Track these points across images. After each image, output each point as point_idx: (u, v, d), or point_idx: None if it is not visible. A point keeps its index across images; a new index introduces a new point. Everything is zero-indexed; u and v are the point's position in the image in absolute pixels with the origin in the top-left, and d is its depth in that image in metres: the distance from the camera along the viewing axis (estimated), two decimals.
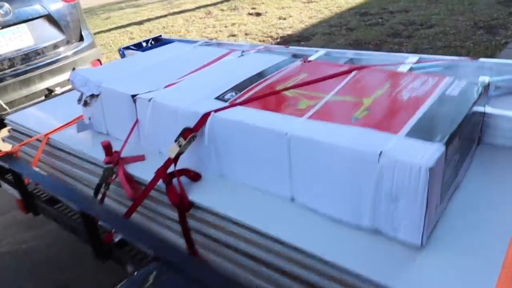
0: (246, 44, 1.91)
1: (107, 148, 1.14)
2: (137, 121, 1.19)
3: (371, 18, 4.80)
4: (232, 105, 1.02)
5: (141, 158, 1.16)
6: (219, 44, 2.00)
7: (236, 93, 1.08)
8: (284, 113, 0.93)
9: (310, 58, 1.58)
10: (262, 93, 1.06)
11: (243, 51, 1.44)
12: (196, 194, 0.99)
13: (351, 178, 0.78)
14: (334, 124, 0.86)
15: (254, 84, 1.11)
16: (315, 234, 0.82)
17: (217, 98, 1.07)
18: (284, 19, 5.43)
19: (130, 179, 1.11)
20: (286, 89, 1.07)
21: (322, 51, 1.65)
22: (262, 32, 4.97)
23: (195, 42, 2.01)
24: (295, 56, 1.76)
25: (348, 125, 0.84)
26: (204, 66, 1.33)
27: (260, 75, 1.18)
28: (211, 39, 4.99)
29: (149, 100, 1.12)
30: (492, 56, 3.08)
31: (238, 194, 0.97)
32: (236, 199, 0.95)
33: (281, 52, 1.74)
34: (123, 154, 1.16)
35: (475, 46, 3.38)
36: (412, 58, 1.47)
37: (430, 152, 0.71)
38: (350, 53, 1.62)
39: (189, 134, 0.99)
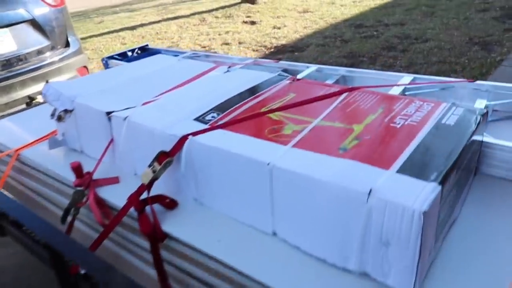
0: (235, 57, 1.84)
1: (77, 170, 1.06)
2: (112, 140, 1.11)
3: (366, 30, 4.77)
4: (212, 127, 0.94)
5: (115, 180, 1.08)
6: (207, 56, 1.93)
7: (218, 114, 1.00)
8: (268, 140, 0.86)
9: (301, 75, 1.52)
10: (246, 114, 0.98)
11: (229, 66, 1.36)
12: (171, 224, 0.91)
13: (337, 216, 0.71)
14: (320, 155, 0.78)
15: (238, 105, 1.04)
16: (296, 275, 0.74)
17: (197, 119, 0.99)
18: (279, 28, 5.39)
19: (101, 203, 1.02)
20: (272, 111, 0.99)
21: (313, 67, 1.58)
22: (256, 41, 4.92)
23: (182, 53, 1.94)
24: (286, 71, 1.70)
25: (336, 156, 0.77)
26: (186, 82, 1.25)
27: (245, 95, 1.10)
28: (204, 47, 4.94)
29: (124, 119, 1.04)
30: (487, 73, 3.05)
31: (216, 226, 0.89)
32: (213, 231, 0.87)
33: (270, 66, 1.68)
34: (96, 176, 1.08)
35: (470, 62, 3.35)
36: (407, 78, 1.41)
37: (424, 193, 0.64)
38: (342, 70, 1.56)
39: (164, 159, 0.91)
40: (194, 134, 0.92)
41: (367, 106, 0.98)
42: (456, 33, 4.18)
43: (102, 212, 1.01)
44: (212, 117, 0.99)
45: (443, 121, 0.87)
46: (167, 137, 0.94)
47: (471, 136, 0.82)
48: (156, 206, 0.94)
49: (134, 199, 0.93)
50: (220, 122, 0.96)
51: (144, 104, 1.11)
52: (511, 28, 4.09)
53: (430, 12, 5.26)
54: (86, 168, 1.08)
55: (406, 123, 0.88)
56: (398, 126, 0.87)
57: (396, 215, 0.64)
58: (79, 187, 1.06)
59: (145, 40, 5.65)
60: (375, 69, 3.57)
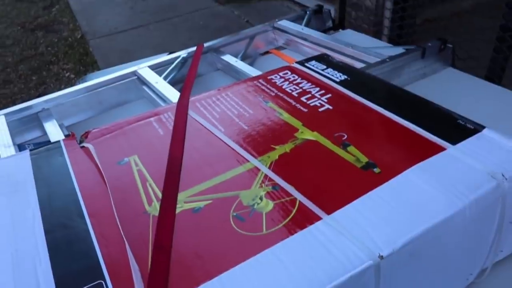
0: None
1: None
2: None
3: None
4: None
5: None
6: None
7: (99, 284, 0.41)
8: (270, 240, 0.44)
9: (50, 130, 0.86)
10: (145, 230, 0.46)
11: None
12: None
13: (468, 237, 0.49)
14: (381, 192, 0.49)
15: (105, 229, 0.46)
16: None
17: None
18: None
19: None
20: (169, 205, 0.51)
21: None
22: None
23: None
24: None
25: (387, 180, 0.51)
26: None
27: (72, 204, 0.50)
28: None
29: None
30: (86, 54, 2.84)
31: None
32: None
33: None
34: None
35: (54, 48, 3.01)
36: (142, 66, 1.08)
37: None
38: (39, 104, 1.00)
39: None
40: None
41: (250, 110, 0.68)
42: (0, 26, 3.54)
43: None
44: None
45: (338, 79, 0.74)
46: None
47: None
48: None
49: None
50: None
51: None
52: (46, 5, 3.88)
53: None
54: None
55: (321, 99, 0.68)
56: (330, 107, 0.66)
57: None
58: None
59: None
60: None
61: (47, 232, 0.48)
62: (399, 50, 1.11)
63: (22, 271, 0.43)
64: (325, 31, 1.43)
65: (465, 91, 1.00)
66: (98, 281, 0.42)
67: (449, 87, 1.02)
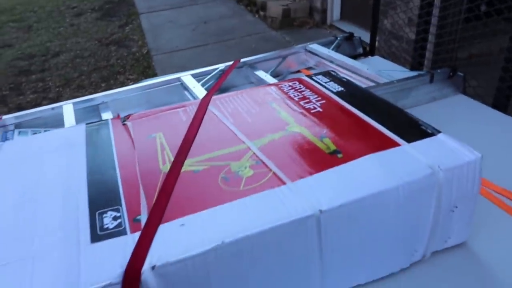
0: None
1: None
2: None
3: None
4: (147, 231, 0.55)
5: None
6: None
7: (117, 210, 0.58)
8: (251, 192, 0.59)
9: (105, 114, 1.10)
10: (155, 188, 0.62)
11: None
12: None
13: (407, 216, 0.61)
14: (331, 170, 0.62)
15: (124, 177, 0.64)
16: None
17: (95, 238, 0.54)
18: None
19: None
20: (177, 165, 0.68)
21: (68, 104, 1.16)
22: None
23: None
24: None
25: (345, 162, 0.64)
26: None
27: (107, 164, 0.69)
28: None
29: None
30: (148, 67, 3.20)
31: None
32: None
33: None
34: None
35: (123, 61, 3.40)
36: (185, 74, 1.29)
37: (455, 142, 0.65)
38: (100, 98, 1.23)
39: None
40: (135, 264, 0.51)
41: (257, 108, 0.84)
42: (81, 40, 4.06)
43: None
44: (114, 218, 0.57)
45: (335, 90, 0.88)
46: None
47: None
48: None
49: None
50: (143, 217, 0.57)
51: None
52: (121, 24, 4.39)
53: (26, 27, 4.79)
54: None
55: (315, 103, 0.82)
56: (321, 110, 0.80)
57: (463, 173, 0.62)
58: None
59: None
60: (29, 99, 3.00)
61: (88, 175, 0.66)
62: (414, 74, 1.22)
63: (69, 196, 0.62)
64: (356, 56, 1.57)
65: (469, 116, 1.09)
66: (117, 207, 0.59)
67: (455, 111, 1.11)
